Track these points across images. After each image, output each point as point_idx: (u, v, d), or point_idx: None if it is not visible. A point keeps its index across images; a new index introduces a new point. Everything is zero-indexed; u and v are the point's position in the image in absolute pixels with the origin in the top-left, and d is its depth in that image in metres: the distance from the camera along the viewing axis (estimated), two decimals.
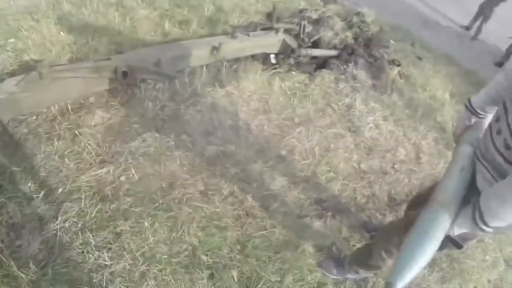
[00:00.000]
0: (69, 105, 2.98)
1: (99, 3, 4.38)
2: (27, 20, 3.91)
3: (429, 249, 1.50)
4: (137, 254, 2.29)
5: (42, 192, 2.47)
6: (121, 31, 3.99)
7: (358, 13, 4.30)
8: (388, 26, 5.58)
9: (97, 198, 2.51)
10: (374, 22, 5.28)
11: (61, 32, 3.74)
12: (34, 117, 2.91)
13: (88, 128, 2.90)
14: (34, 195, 2.45)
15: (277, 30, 3.61)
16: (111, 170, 2.67)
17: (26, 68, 3.10)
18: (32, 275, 2.12)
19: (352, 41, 3.90)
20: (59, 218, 2.35)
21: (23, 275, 2.10)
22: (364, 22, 4.28)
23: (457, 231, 1.54)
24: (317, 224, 2.79)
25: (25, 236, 2.27)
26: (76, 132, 2.84)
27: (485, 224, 1.41)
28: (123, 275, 2.21)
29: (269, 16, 3.81)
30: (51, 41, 3.56)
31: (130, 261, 2.26)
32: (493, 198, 1.38)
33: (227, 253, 2.44)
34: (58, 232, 2.31)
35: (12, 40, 3.63)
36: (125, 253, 2.28)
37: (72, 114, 2.96)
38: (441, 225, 1.52)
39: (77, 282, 2.15)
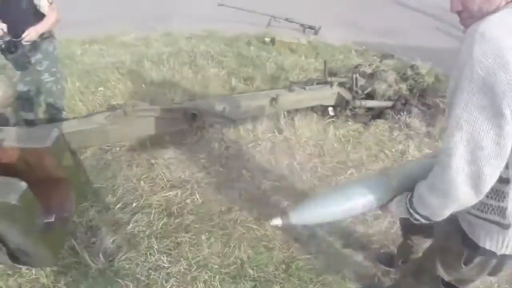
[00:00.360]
0: (147, 141, 3.58)
1: (175, 61, 5.19)
2: (114, 73, 4.81)
3: (335, 204, 1.51)
4: (192, 261, 2.62)
5: (119, 204, 2.99)
6: (193, 85, 4.69)
7: (412, 66, 4.50)
8: (445, 76, 5.67)
9: (165, 214, 2.96)
10: (430, 73, 5.44)
11: (143, 85, 4.48)
12: (118, 148, 3.56)
13: (162, 159, 3.45)
14: (112, 206, 2.98)
15: (331, 84, 3.97)
16: (179, 194, 3.13)
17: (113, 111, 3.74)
18: (100, 265, 2.56)
19: (407, 93, 4.12)
20: (130, 225, 2.83)
21: (92, 264, 2.55)
22: (419, 74, 4.45)
23: (395, 209, 1.52)
24: (361, 254, 2.88)
25: (100, 235, 2.76)
26: (152, 162, 3.40)
27: (412, 206, 1.40)
28: (177, 276, 2.54)
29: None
30: (134, 91, 4.30)
31: (185, 266, 2.59)
32: (423, 182, 1.36)
33: (272, 271, 2.63)
34: (128, 235, 2.76)
35: (101, 88, 4.53)
36: (182, 259, 2.63)
37: (149, 148, 3.56)
38: (362, 190, 1.51)
39: (137, 276, 2.53)
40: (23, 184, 1.92)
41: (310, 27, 7.23)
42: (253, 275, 2.58)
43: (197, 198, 3.11)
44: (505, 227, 1.29)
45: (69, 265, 2.58)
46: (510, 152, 1.14)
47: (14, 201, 1.86)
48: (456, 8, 1.23)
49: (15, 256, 2.20)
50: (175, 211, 2.99)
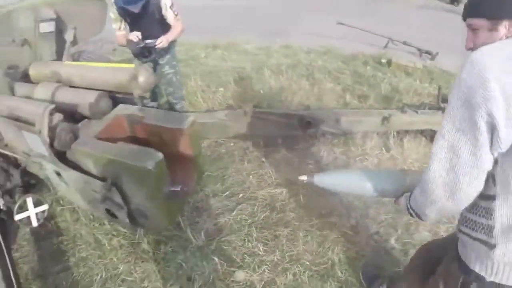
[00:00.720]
0: (261, 141, 3.87)
1: (293, 73, 5.51)
2: (235, 77, 5.27)
3: (352, 180, 1.74)
4: (286, 254, 2.82)
5: (227, 193, 3.34)
6: (309, 96, 4.93)
7: None
8: None
9: (268, 208, 3.22)
10: None
11: (261, 91, 4.80)
12: (232, 144, 3.92)
13: (273, 159, 3.73)
14: (219, 193, 3.32)
15: (443, 110, 3.92)
16: (284, 192, 3.37)
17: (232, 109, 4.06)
18: (200, 242, 2.88)
19: None
20: (234, 212, 3.14)
21: (193, 240, 2.88)
22: None
23: (402, 203, 1.60)
24: None
25: (204, 216, 3.10)
26: (263, 160, 3.69)
27: (409, 200, 1.52)
28: (269, 265, 2.75)
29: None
30: (252, 95, 4.65)
31: (279, 257, 2.80)
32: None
33: (360, 276, 2.69)
34: (231, 221, 3.07)
35: (221, 89, 5.02)
36: (277, 250, 2.85)
37: (262, 147, 3.86)
38: (377, 178, 1.69)
39: (232, 257, 2.79)
40: (160, 154, 2.23)
41: (427, 52, 7.13)
42: (341, 277, 2.69)
43: (300, 199, 3.30)
44: (491, 247, 1.32)
45: (171, 237, 2.94)
46: (498, 169, 1.22)
47: (151, 167, 2.17)
48: (469, 46, 1.43)
49: (132, 217, 2.53)
50: (278, 206, 3.23)
